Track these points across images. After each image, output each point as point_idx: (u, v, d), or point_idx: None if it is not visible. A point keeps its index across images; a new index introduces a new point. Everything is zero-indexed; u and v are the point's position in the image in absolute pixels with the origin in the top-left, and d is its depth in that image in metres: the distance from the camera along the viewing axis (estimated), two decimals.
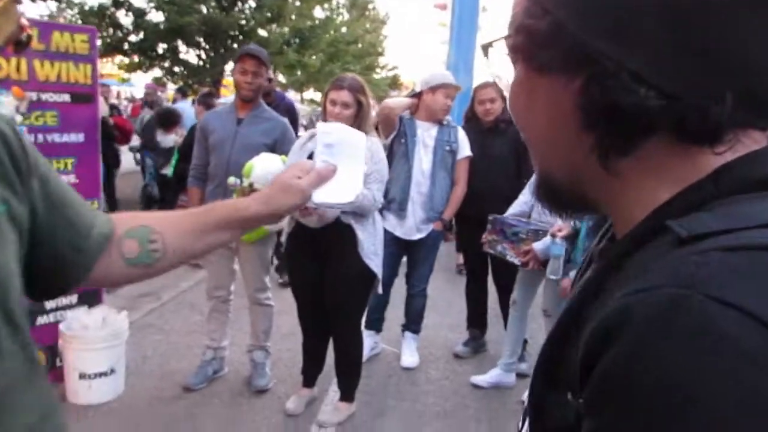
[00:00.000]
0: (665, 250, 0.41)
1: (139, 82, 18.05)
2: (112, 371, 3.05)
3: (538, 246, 3.04)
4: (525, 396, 3.28)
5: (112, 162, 7.23)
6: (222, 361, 3.43)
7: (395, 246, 3.58)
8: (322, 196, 1.01)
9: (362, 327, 3.33)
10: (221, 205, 0.98)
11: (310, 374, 3.17)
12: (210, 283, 3.35)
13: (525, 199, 3.39)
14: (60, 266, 0.82)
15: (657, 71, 0.42)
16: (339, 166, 1.03)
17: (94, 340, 2.98)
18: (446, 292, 5.29)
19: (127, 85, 20.33)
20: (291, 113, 4.66)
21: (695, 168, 0.45)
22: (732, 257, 0.36)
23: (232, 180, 2.99)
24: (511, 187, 3.57)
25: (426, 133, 3.58)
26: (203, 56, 14.96)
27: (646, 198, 0.47)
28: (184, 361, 3.59)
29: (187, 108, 7.84)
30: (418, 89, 3.77)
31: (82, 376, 2.99)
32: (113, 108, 9.43)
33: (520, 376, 3.59)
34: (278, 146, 3.18)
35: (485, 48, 0.59)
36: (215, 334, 3.35)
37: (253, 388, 3.26)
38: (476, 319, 4.02)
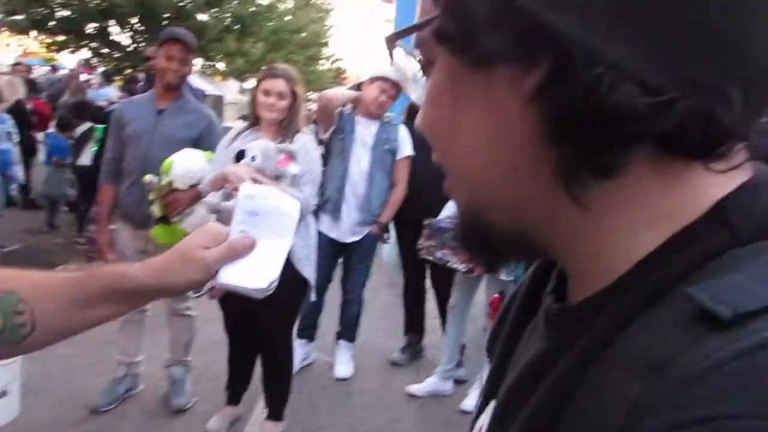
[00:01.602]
0: (688, 333, 0.28)
1: (71, 64, 17.05)
2: (4, 393, 2.70)
3: None
4: (463, 405, 3.21)
5: (28, 151, 6.68)
6: (136, 378, 3.12)
7: (330, 249, 3.37)
8: (230, 276, 0.78)
9: (294, 336, 3.12)
10: (104, 272, 0.79)
11: (236, 390, 2.93)
12: None
13: None
14: None
15: (644, 61, 0.30)
16: (259, 242, 0.81)
17: None
18: (383, 295, 5.14)
19: (58, 66, 19.19)
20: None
21: (686, 198, 0.34)
22: None
23: (148, 178, 2.71)
24: None
25: (365, 131, 3.38)
26: (137, 38, 14.26)
27: (628, 243, 0.35)
28: (95, 377, 3.24)
29: (110, 95, 7.34)
30: None
31: None
32: (32, 90, 8.77)
33: (458, 382, 3.49)
34: (203, 141, 2.92)
35: (391, 42, 0.44)
36: (129, 349, 3.05)
37: (170, 408, 2.98)
38: (414, 324, 3.90)
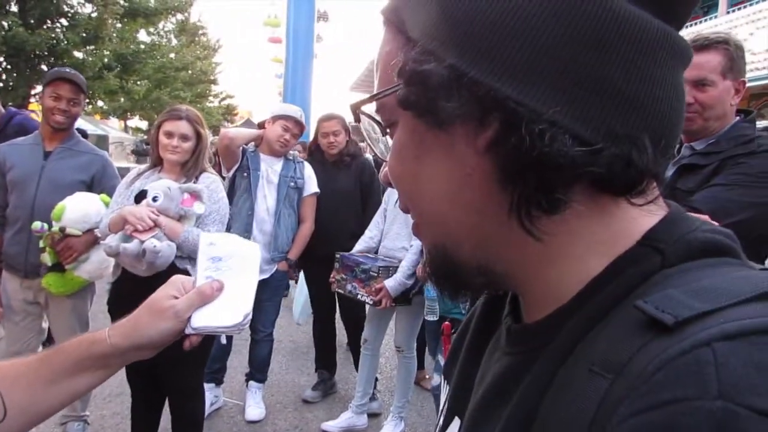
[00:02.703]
0: (638, 338, 0.34)
1: None
2: None
3: (389, 283, 2.98)
4: None
5: None
6: None
7: None
8: (202, 319, 0.80)
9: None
10: (71, 344, 0.78)
11: None
12: (10, 347, 2.78)
13: (371, 234, 3.34)
14: None
15: (575, 117, 0.38)
16: (226, 283, 0.84)
17: None
18: (291, 332, 5.08)
19: None
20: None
21: (619, 230, 0.42)
22: (742, 349, 0.31)
23: (37, 225, 2.55)
24: (358, 223, 3.51)
25: (270, 168, 3.39)
26: (4, 77, 13.27)
27: (576, 268, 0.42)
28: None
29: None
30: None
31: None
32: None
33: (372, 415, 3.51)
34: (97, 184, 2.79)
35: (357, 110, 0.49)
36: None
37: None
38: (325, 360, 3.87)
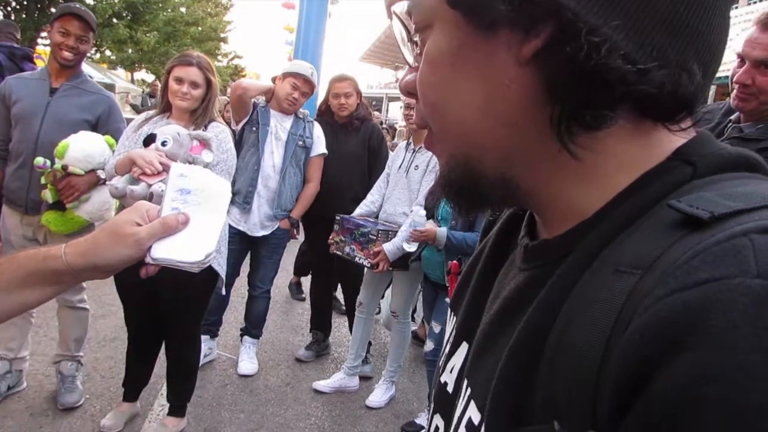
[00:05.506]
0: (671, 235, 0.34)
1: None
2: None
3: (387, 247, 2.97)
4: (369, 401, 3.25)
5: None
6: (20, 374, 2.87)
7: (239, 242, 3.29)
8: (163, 250, 0.77)
9: None
10: (26, 255, 0.76)
11: (134, 386, 2.77)
12: None
13: (372, 198, 3.32)
14: None
15: (629, 36, 0.37)
16: (192, 218, 0.80)
17: None
18: (288, 292, 5.09)
19: None
20: None
21: (649, 149, 0.41)
22: None
23: (40, 160, 2.50)
24: (363, 187, 3.48)
25: (279, 125, 3.34)
26: (12, 18, 13.07)
27: (604, 183, 0.41)
28: None
29: None
30: None
31: None
32: None
33: (363, 378, 3.53)
34: (102, 125, 2.74)
35: (390, 6, 0.47)
36: (12, 343, 2.79)
37: (59, 406, 2.76)
38: (320, 321, 3.88)
